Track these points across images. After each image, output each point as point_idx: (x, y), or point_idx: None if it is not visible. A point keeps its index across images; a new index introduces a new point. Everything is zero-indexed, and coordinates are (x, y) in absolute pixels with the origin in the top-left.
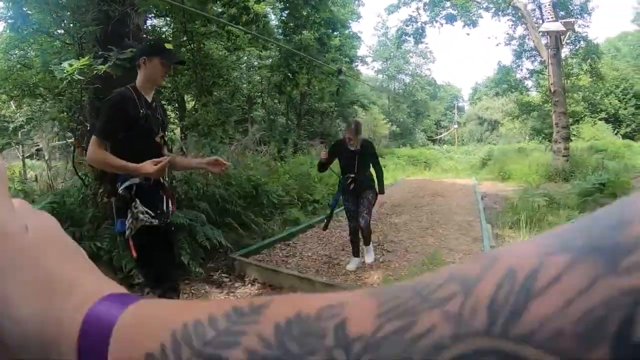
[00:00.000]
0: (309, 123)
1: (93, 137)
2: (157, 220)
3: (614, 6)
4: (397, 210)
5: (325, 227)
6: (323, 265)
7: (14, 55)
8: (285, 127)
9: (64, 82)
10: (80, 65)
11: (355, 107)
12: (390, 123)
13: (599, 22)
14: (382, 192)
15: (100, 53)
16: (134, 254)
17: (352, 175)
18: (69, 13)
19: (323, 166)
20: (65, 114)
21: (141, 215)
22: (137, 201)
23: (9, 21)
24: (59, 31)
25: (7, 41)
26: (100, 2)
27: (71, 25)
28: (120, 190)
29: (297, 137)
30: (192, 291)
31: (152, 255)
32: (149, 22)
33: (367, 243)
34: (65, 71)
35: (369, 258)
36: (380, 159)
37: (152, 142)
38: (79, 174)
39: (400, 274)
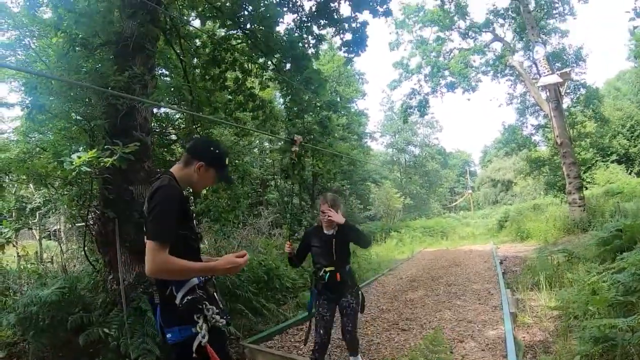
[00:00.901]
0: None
1: (152, 243)
2: (224, 320)
3: (608, 47)
4: (413, 286)
5: (306, 342)
6: (336, 349)
7: (33, 139)
8: (299, 208)
9: (74, 173)
10: (88, 158)
11: (368, 183)
12: (403, 196)
13: (596, 66)
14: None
15: (106, 147)
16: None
17: (329, 270)
18: (81, 105)
19: (292, 261)
20: (76, 201)
21: (217, 317)
22: (207, 303)
23: (25, 109)
24: (75, 117)
25: (26, 124)
26: (109, 97)
27: (83, 116)
28: (186, 296)
29: (312, 218)
30: None
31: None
32: (162, 110)
33: (354, 352)
34: (74, 163)
35: None
36: (396, 232)
37: (196, 241)
38: (90, 260)
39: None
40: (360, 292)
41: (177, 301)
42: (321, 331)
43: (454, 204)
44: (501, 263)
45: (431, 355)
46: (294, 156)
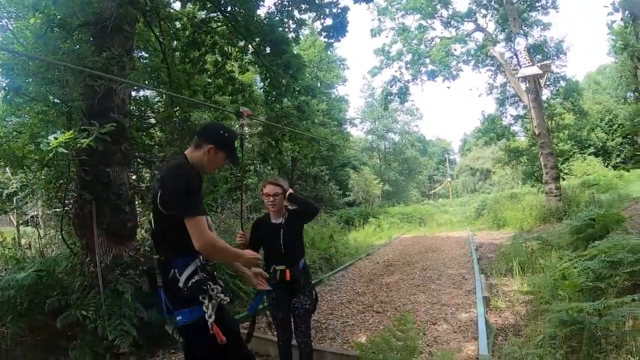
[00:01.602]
0: (302, 188)
1: (195, 219)
2: (228, 297)
3: (590, 41)
4: (390, 270)
5: (248, 340)
6: (311, 330)
7: (10, 122)
8: None
9: (50, 155)
10: (65, 139)
11: (347, 169)
12: (382, 183)
13: (578, 59)
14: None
15: (83, 127)
16: (222, 339)
17: (279, 268)
18: (58, 86)
19: None
20: (53, 184)
21: (222, 296)
22: (211, 283)
23: (2, 91)
24: (53, 100)
25: (2, 108)
26: (86, 78)
27: (60, 98)
28: (192, 278)
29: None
30: None
31: (237, 334)
32: (141, 92)
33: None
34: (50, 144)
35: None
36: (374, 218)
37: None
38: (68, 243)
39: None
40: (314, 291)
41: (181, 284)
42: (280, 329)
43: (432, 191)
44: (477, 249)
45: (400, 335)
46: (242, 131)
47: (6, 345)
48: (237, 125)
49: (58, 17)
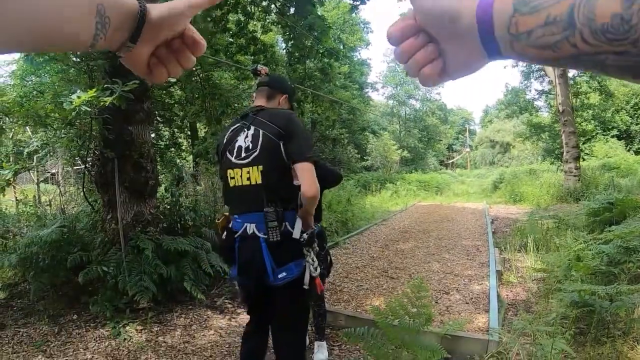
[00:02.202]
0: (320, 150)
1: (309, 164)
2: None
3: None
4: (405, 236)
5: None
6: (325, 292)
7: (30, 82)
8: None
9: (73, 113)
10: (88, 98)
11: (367, 133)
12: (401, 149)
13: None
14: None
15: (106, 86)
16: (323, 288)
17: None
18: None
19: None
20: (75, 142)
21: (318, 248)
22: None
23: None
24: (73, 59)
25: (23, 67)
26: None
27: (83, 58)
28: (305, 233)
29: None
30: (195, 316)
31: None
32: None
33: (320, 335)
34: (73, 102)
35: (321, 355)
36: (391, 184)
37: None
38: (89, 200)
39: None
40: (329, 256)
41: (296, 236)
42: None
43: (451, 160)
44: (492, 222)
45: (415, 301)
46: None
47: (29, 300)
48: (254, 83)
49: None
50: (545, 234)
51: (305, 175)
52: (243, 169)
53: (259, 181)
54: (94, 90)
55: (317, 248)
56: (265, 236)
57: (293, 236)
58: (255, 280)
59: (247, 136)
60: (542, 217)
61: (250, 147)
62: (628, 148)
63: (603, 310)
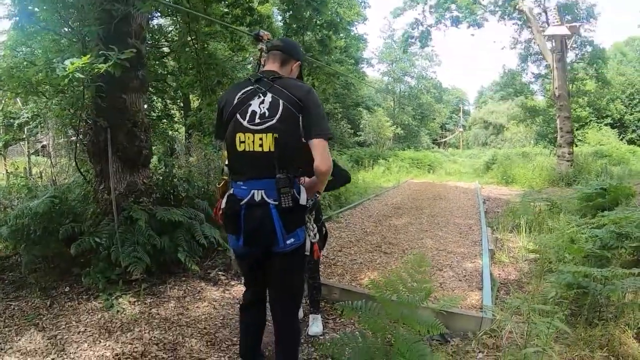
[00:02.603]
0: None
1: (324, 142)
2: None
3: (622, 11)
4: (398, 212)
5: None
6: (320, 265)
7: (21, 52)
8: None
9: (66, 80)
10: (82, 64)
11: (360, 108)
12: (395, 125)
13: (607, 27)
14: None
15: (101, 52)
16: (320, 255)
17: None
18: (73, 11)
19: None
20: (67, 111)
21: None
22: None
23: (14, 19)
24: (65, 29)
25: (14, 38)
26: (103, 2)
27: (76, 24)
28: (309, 199)
29: None
30: (189, 288)
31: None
32: (155, 21)
33: (315, 308)
34: (66, 69)
35: (316, 328)
36: (384, 160)
37: None
38: (81, 170)
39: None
40: (324, 228)
41: (303, 202)
42: None
43: (444, 139)
44: (484, 202)
45: (415, 275)
46: (260, 56)
47: (20, 273)
48: (257, 49)
49: None
50: (537, 216)
51: (320, 151)
52: (256, 135)
53: (272, 149)
54: (88, 56)
55: (314, 215)
56: (276, 202)
57: (300, 202)
58: (263, 248)
59: (263, 102)
60: (534, 199)
61: (267, 115)
62: (621, 137)
63: (596, 292)
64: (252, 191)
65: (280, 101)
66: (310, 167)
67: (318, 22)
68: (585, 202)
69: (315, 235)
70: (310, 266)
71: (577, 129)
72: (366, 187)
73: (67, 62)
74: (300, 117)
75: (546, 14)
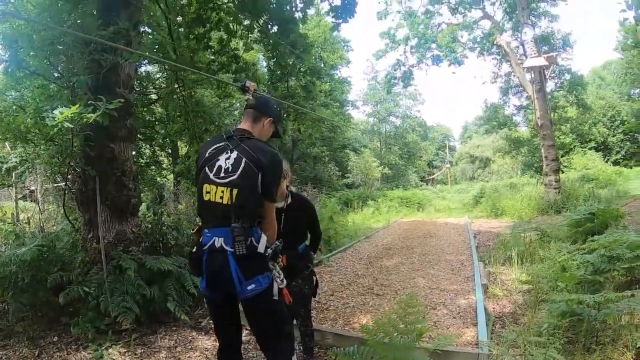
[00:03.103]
0: (302, 168)
1: (273, 205)
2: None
3: (598, 36)
4: (389, 253)
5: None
6: (312, 311)
7: (10, 97)
8: None
9: (55, 129)
10: (71, 114)
11: (347, 150)
12: (382, 166)
13: (584, 53)
14: (314, 251)
15: (89, 102)
16: (290, 299)
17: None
18: (62, 58)
19: None
20: (56, 159)
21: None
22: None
23: (3, 64)
24: (54, 74)
25: (3, 82)
26: (92, 51)
27: (64, 72)
28: (269, 248)
29: (290, 182)
30: (180, 338)
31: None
32: (143, 68)
33: (309, 354)
34: (56, 118)
35: None
36: (373, 201)
37: None
38: (69, 218)
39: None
40: (314, 276)
41: (262, 250)
42: None
43: (431, 176)
44: (475, 237)
45: (406, 316)
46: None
47: (8, 321)
48: (244, 99)
49: None
50: (528, 246)
51: (269, 214)
52: (219, 187)
53: (231, 202)
54: (77, 106)
55: (281, 263)
56: (232, 249)
57: (258, 250)
58: (223, 293)
59: (228, 158)
60: (524, 229)
61: (230, 170)
62: (606, 159)
63: (591, 318)
64: (214, 238)
65: (244, 159)
66: (258, 216)
67: (302, 69)
68: (574, 229)
69: (282, 280)
70: (302, 313)
71: (562, 156)
72: (356, 229)
73: (56, 111)
74: (260, 175)
75: (523, 46)
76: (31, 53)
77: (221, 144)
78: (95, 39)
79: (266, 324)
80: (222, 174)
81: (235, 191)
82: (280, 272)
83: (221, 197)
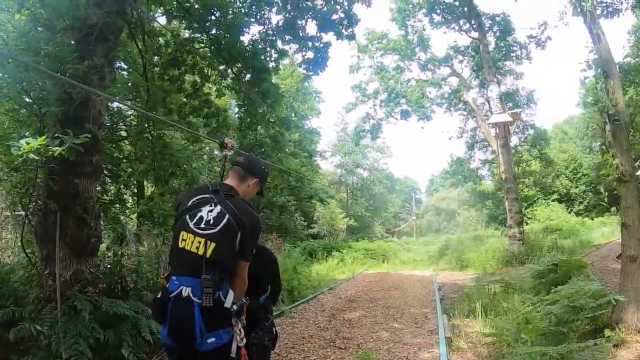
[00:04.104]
0: (267, 217)
1: (246, 264)
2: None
3: (560, 93)
4: (352, 306)
5: None
6: None
7: None
8: None
9: (20, 159)
10: (37, 145)
11: (314, 201)
12: (348, 217)
13: (547, 109)
14: (273, 303)
15: (56, 135)
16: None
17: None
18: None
19: None
20: (18, 189)
21: (245, 322)
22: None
23: None
24: (26, 99)
25: None
26: (65, 84)
27: (35, 101)
28: (235, 304)
29: None
30: None
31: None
32: (115, 104)
33: None
34: (21, 149)
35: None
36: (338, 252)
37: None
38: (26, 251)
39: None
40: (274, 328)
41: (228, 305)
42: None
43: (397, 229)
44: (439, 289)
45: None
46: (224, 162)
47: None
48: (221, 155)
49: (44, 16)
50: (492, 298)
51: (241, 271)
52: (197, 237)
53: (206, 254)
54: (44, 137)
55: (244, 321)
56: (199, 301)
57: (225, 305)
58: (183, 343)
59: (211, 211)
60: (489, 281)
61: (212, 223)
62: (569, 210)
63: None
64: (182, 287)
65: (227, 215)
66: (229, 272)
67: (271, 119)
68: (538, 280)
69: (242, 339)
70: None
71: (525, 208)
72: (320, 280)
73: (22, 141)
74: (240, 234)
75: (489, 103)
76: (5, 76)
77: (206, 195)
78: (65, 79)
79: None
80: (202, 225)
81: (212, 245)
82: (242, 330)
83: (197, 248)
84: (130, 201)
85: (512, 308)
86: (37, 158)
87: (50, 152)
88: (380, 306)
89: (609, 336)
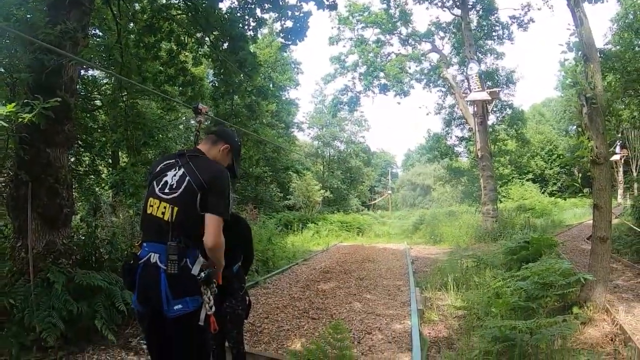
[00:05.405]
0: (243, 187)
1: (219, 218)
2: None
3: (539, 75)
4: (326, 277)
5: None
6: (245, 333)
7: None
8: None
9: None
10: (6, 112)
11: (290, 172)
12: (324, 189)
13: (526, 90)
14: (245, 272)
15: (26, 101)
16: (216, 327)
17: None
18: (6, 54)
19: None
20: None
21: (216, 289)
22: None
23: None
24: None
25: None
26: (36, 50)
27: (5, 68)
28: (203, 272)
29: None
30: (108, 357)
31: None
32: (90, 72)
33: None
34: None
35: None
36: (313, 224)
37: None
38: None
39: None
40: (247, 296)
41: (195, 272)
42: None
43: (372, 202)
44: (413, 263)
45: (334, 342)
46: (198, 127)
47: None
48: (196, 121)
49: None
50: (464, 272)
51: (210, 226)
52: (162, 202)
53: (171, 219)
54: (13, 104)
55: (215, 288)
56: (165, 267)
57: (192, 272)
58: (152, 309)
59: (175, 175)
60: (461, 256)
61: (174, 187)
62: (543, 190)
63: (524, 343)
64: (150, 253)
65: (187, 178)
66: (196, 237)
67: (247, 88)
68: (510, 256)
69: (211, 307)
70: (234, 335)
71: (500, 186)
72: (295, 251)
73: None
74: (199, 195)
75: (468, 80)
76: None
77: (172, 160)
78: (38, 41)
79: (186, 348)
80: (166, 190)
81: (175, 209)
82: (212, 298)
83: (162, 213)
84: (105, 172)
85: (483, 283)
86: (6, 125)
87: (20, 119)
88: (354, 278)
89: (577, 313)
